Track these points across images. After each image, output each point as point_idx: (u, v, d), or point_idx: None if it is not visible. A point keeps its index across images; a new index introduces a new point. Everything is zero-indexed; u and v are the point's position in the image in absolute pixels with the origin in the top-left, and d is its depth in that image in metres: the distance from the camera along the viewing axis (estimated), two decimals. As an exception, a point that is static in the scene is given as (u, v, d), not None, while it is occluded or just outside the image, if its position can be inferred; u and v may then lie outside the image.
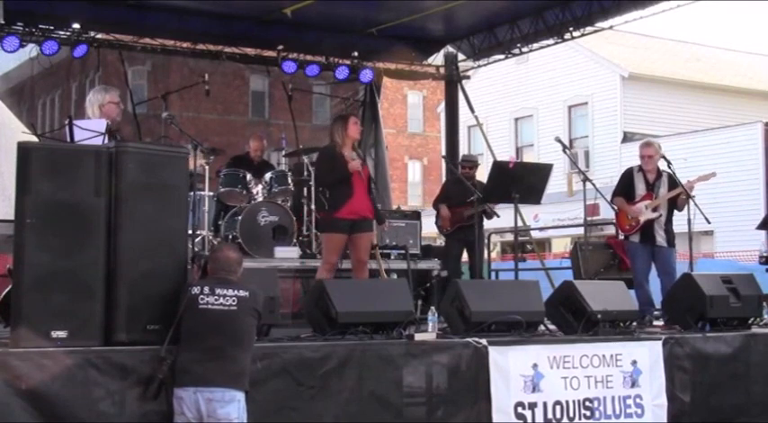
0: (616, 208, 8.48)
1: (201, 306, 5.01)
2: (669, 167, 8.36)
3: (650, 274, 8.30)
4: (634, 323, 7.16)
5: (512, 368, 6.06)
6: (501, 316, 6.39)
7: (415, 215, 9.80)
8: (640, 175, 8.37)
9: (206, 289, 5.07)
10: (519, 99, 27.72)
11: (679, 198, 8.22)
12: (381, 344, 5.83)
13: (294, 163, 9.74)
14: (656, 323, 7.96)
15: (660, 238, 8.19)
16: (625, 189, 8.41)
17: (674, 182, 8.32)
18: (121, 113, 6.99)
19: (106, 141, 5.98)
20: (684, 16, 59.01)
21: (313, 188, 8.68)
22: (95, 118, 6.67)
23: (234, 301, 5.05)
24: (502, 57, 12.78)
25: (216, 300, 5.03)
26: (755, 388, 7.11)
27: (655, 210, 8.19)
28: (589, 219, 9.48)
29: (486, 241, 9.34)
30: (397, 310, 6.22)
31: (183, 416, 4.88)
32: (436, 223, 9.51)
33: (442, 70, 13.09)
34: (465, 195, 8.99)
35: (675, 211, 8.32)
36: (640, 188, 8.32)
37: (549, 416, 6.14)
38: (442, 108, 19.71)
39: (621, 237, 8.76)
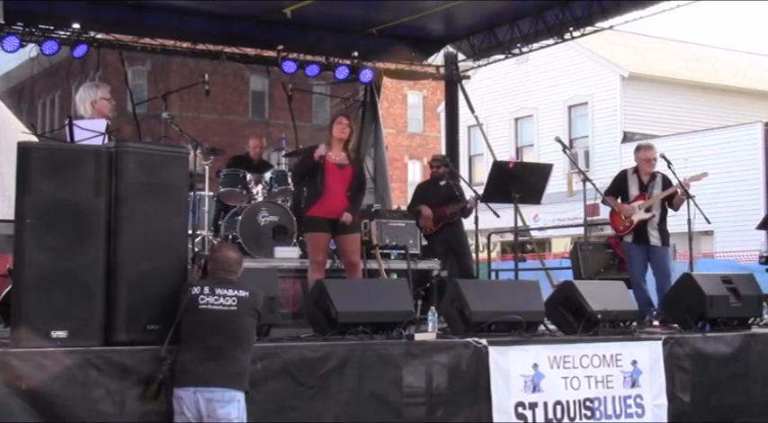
0: (610, 206, 8.46)
1: (201, 306, 5.01)
2: (669, 168, 8.36)
3: (647, 274, 8.30)
4: (634, 323, 7.16)
5: (512, 368, 6.06)
6: (501, 316, 6.38)
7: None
8: (635, 176, 8.39)
9: (206, 289, 5.07)
10: (519, 99, 27.71)
11: (675, 198, 8.22)
12: (381, 344, 5.83)
13: (294, 163, 9.72)
14: (654, 323, 7.96)
15: (654, 239, 8.19)
16: (618, 190, 8.43)
17: (667, 182, 8.32)
18: (114, 109, 6.86)
19: (106, 141, 5.98)
20: (684, 16, 59.00)
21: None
22: (87, 115, 6.60)
23: (234, 301, 5.05)
24: (502, 57, 12.78)
25: (216, 300, 5.03)
26: (755, 388, 7.11)
27: (648, 210, 8.19)
28: (589, 219, 9.48)
29: (479, 240, 9.31)
30: (397, 310, 6.22)
31: (183, 416, 4.88)
32: (417, 225, 9.39)
33: (442, 70, 13.09)
34: (440, 195, 9.15)
35: (672, 211, 8.32)
36: (633, 189, 8.34)
37: (550, 416, 6.14)
38: (442, 108, 19.70)
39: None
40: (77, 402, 4.77)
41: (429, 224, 9.25)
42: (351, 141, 7.60)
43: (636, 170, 8.42)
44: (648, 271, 8.31)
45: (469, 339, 6.04)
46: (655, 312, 8.11)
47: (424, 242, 9.71)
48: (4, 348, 4.83)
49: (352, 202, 7.44)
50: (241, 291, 5.11)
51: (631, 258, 8.32)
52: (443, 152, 13.57)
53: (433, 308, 6.64)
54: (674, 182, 8.27)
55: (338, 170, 7.35)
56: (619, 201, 8.40)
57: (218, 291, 5.06)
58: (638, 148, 8.59)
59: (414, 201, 9.60)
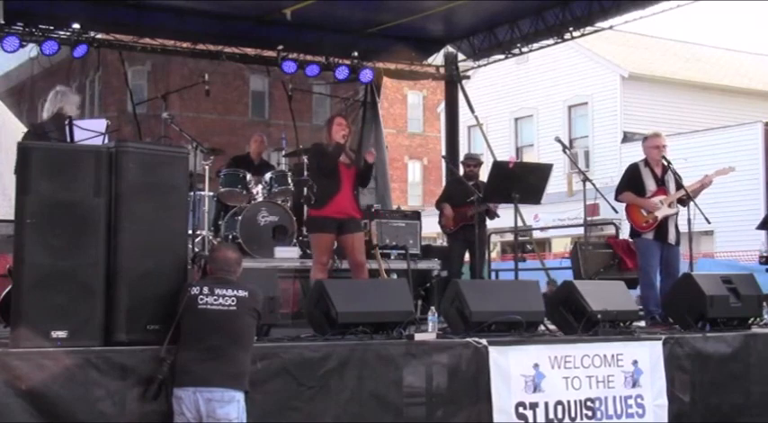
0: (625, 203, 8.12)
1: (201, 306, 5.01)
2: (669, 168, 8.29)
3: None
4: (634, 323, 7.15)
5: (512, 368, 6.06)
6: (501, 316, 6.38)
7: (415, 215, 9.79)
8: (648, 170, 8.05)
9: (205, 289, 5.06)
10: (519, 99, 27.72)
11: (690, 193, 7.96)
12: (381, 344, 5.83)
13: (294, 163, 9.74)
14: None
15: (672, 236, 7.92)
16: (633, 184, 8.05)
17: (677, 176, 8.06)
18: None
19: (106, 141, 6.00)
20: (684, 16, 59.05)
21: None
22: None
23: (233, 301, 5.05)
24: (502, 57, 12.78)
25: (215, 300, 5.03)
26: (755, 388, 7.11)
27: (670, 205, 7.92)
28: (589, 219, 9.46)
29: (486, 241, 9.31)
30: (397, 310, 6.22)
31: (183, 416, 4.88)
32: (439, 223, 9.43)
33: (442, 70, 13.09)
34: (467, 195, 9.01)
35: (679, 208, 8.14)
36: (650, 184, 8.00)
37: (551, 416, 6.13)
38: (442, 108, 19.71)
39: (625, 236, 8.67)
40: (77, 402, 4.77)
41: (449, 223, 9.25)
42: (349, 140, 7.60)
43: (647, 163, 8.08)
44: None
45: (469, 339, 6.04)
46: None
47: (425, 242, 9.71)
48: (4, 348, 4.83)
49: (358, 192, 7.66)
50: (240, 291, 5.11)
51: (648, 255, 7.92)
52: (443, 152, 13.57)
53: (432, 308, 6.64)
54: (684, 181, 8.00)
55: (347, 170, 7.39)
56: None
57: (218, 291, 5.06)
58: (645, 139, 8.23)
59: (442, 196, 9.60)
